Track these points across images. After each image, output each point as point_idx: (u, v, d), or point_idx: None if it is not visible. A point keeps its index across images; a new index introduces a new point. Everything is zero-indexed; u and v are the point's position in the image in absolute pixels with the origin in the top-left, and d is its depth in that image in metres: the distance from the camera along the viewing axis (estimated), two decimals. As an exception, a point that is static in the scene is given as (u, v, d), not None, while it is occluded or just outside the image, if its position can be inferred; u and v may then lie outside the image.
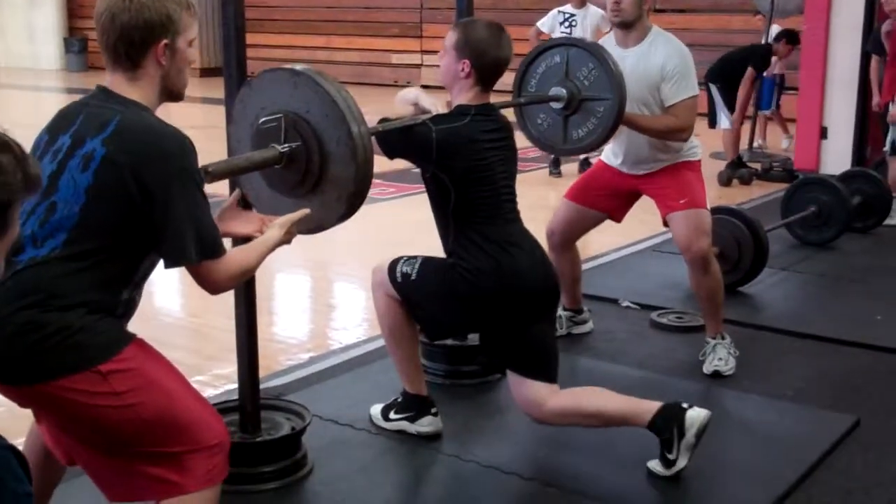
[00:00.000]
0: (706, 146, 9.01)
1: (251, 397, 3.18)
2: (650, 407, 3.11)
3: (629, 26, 3.97)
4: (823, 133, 8.51)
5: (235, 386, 3.30)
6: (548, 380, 3.20)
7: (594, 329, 4.59)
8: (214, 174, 2.38)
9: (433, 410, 3.48)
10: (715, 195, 7.87)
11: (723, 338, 4.13)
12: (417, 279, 3.26)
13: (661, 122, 3.94)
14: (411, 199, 7.61)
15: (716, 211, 5.33)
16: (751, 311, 5.01)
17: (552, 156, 8.81)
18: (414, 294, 3.28)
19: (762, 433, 3.60)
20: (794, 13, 9.28)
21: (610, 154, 4.25)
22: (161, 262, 2.23)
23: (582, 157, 8.62)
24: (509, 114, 3.51)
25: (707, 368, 4.07)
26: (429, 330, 3.44)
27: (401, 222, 6.82)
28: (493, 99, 3.30)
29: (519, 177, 3.35)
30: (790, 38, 8.82)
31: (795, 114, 9.02)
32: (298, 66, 2.55)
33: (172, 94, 2.29)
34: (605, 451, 3.36)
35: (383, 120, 3.11)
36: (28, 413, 2.31)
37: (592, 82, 3.78)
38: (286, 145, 2.48)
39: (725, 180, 8.54)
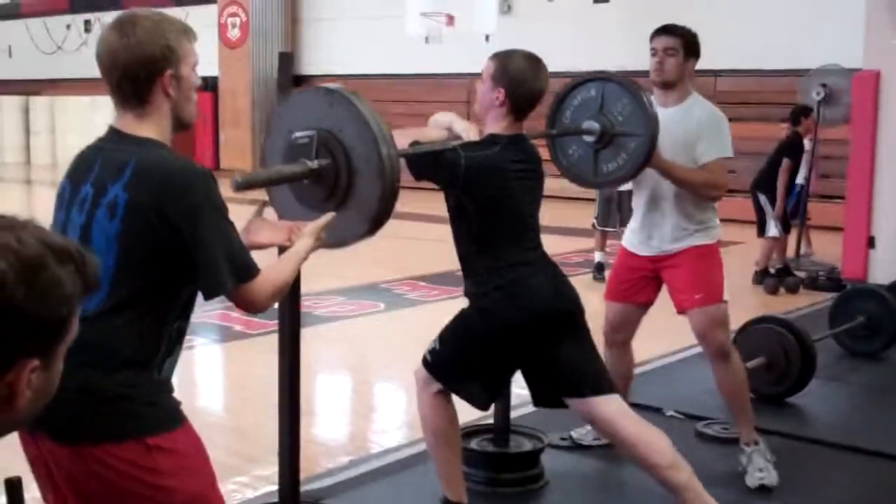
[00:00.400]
0: (753, 253, 9.00)
1: (292, 501, 3.17)
2: None
3: (670, 87, 3.99)
4: (871, 242, 8.45)
5: (275, 488, 3.28)
6: (600, 392, 3.23)
7: (638, 438, 4.52)
8: (243, 184, 2.42)
9: None
10: (761, 303, 7.82)
11: (756, 443, 4.05)
12: (442, 346, 3.30)
13: (699, 176, 3.91)
14: (455, 303, 7.61)
15: (762, 320, 5.30)
16: (798, 423, 4.92)
17: (596, 261, 8.83)
18: (445, 364, 3.30)
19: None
20: (841, 122, 9.32)
21: (630, 230, 4.21)
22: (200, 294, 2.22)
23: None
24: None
25: (751, 482, 3.97)
26: (473, 395, 3.35)
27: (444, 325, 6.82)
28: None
29: (562, 280, 3.35)
30: (804, 111, 8.87)
31: (843, 222, 8.99)
32: (332, 86, 2.59)
33: (183, 123, 2.25)
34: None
35: (414, 143, 3.15)
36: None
37: (626, 118, 3.79)
38: (316, 161, 2.52)
39: (772, 289, 8.48)
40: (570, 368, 3.25)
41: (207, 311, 7.40)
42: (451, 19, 14.54)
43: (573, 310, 3.30)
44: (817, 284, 8.62)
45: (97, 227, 2.13)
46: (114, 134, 2.23)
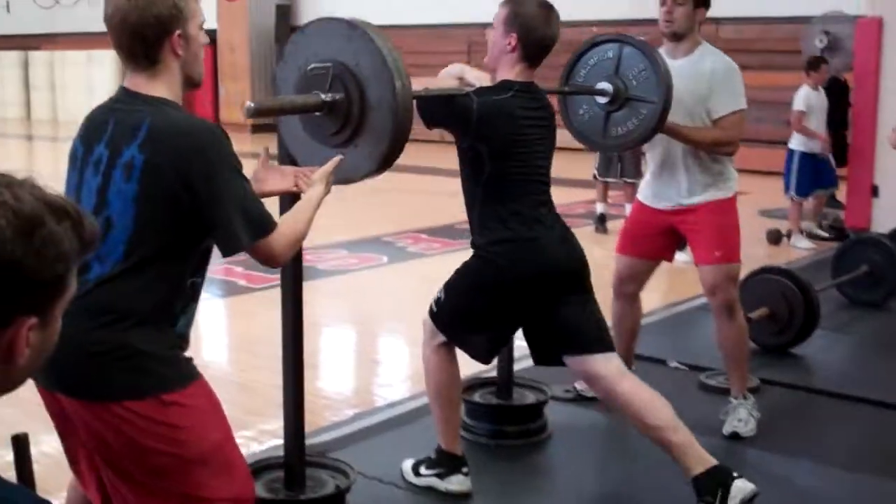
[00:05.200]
0: (757, 203, 8.94)
1: (297, 455, 3.18)
2: (705, 460, 3.08)
3: (680, 38, 3.94)
4: (874, 191, 8.43)
5: (280, 442, 3.30)
6: (600, 350, 3.24)
7: (641, 389, 4.53)
8: (257, 110, 2.41)
9: (464, 470, 3.46)
10: (764, 254, 7.80)
11: (745, 398, 4.07)
12: (446, 297, 3.31)
13: (708, 135, 3.88)
14: (457, 255, 7.60)
15: (765, 271, 5.29)
16: (802, 374, 4.93)
17: (598, 213, 8.80)
18: (449, 315, 3.31)
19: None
20: (843, 70, 9.26)
21: (646, 182, 4.19)
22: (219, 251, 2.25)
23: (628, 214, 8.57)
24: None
25: (726, 429, 3.99)
26: (476, 349, 3.39)
27: (447, 278, 6.82)
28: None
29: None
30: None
31: (846, 171, 8.96)
32: (356, 20, 2.56)
33: (192, 81, 2.27)
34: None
35: (426, 89, 3.13)
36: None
37: (641, 83, 3.75)
38: (330, 94, 2.50)
39: (775, 239, 8.45)
40: (573, 326, 3.24)
41: (210, 266, 7.40)
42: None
43: (579, 269, 3.30)
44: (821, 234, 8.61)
45: (114, 189, 2.15)
46: (125, 94, 2.24)
